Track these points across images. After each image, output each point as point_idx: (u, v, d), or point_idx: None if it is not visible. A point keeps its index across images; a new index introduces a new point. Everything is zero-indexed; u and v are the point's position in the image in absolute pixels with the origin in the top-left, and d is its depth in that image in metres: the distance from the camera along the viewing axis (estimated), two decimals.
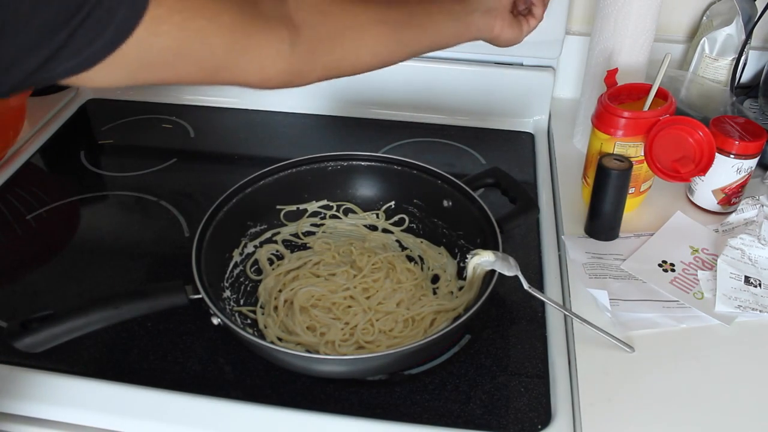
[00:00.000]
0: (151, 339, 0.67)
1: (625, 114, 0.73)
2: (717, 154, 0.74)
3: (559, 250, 0.77)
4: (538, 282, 0.74)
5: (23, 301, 0.71)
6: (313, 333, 0.66)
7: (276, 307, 0.69)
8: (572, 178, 0.87)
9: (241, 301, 0.70)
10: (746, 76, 0.99)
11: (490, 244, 0.67)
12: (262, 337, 0.66)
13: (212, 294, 0.61)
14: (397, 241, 0.78)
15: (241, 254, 0.73)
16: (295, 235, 0.78)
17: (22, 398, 0.61)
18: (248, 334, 0.58)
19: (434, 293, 0.72)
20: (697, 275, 0.71)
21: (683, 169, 0.72)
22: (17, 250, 0.79)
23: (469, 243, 0.73)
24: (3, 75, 0.37)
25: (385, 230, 0.79)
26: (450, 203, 0.75)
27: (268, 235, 0.77)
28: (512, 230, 0.70)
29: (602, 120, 0.75)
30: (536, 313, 0.69)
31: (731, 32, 0.91)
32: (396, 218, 0.80)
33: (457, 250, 0.75)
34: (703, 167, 0.71)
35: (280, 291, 0.71)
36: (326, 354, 0.64)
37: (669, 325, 0.66)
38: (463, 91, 1.01)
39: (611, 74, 0.78)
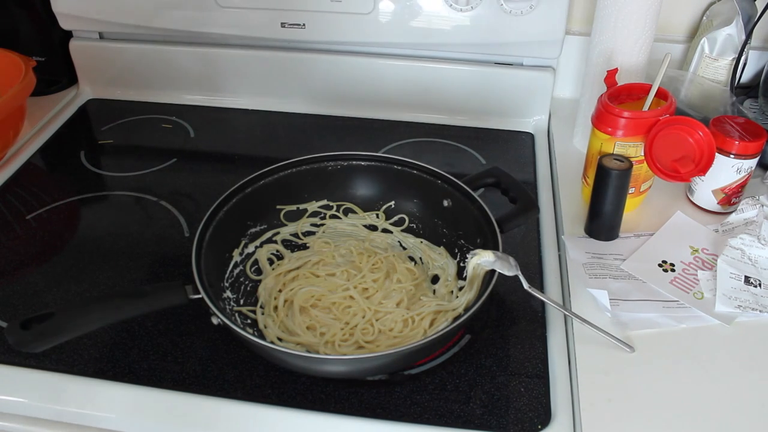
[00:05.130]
0: (151, 339, 0.67)
1: (625, 114, 0.73)
2: (717, 154, 0.74)
3: (559, 250, 0.77)
4: (538, 282, 0.74)
5: (23, 301, 0.71)
6: (313, 333, 0.66)
7: (276, 307, 0.69)
8: (572, 178, 0.87)
9: (241, 301, 0.70)
10: (746, 76, 0.99)
11: (490, 244, 0.67)
12: (262, 337, 0.66)
13: (212, 294, 0.61)
14: (398, 241, 0.78)
15: (241, 254, 0.73)
16: (295, 235, 0.78)
17: (22, 398, 0.61)
18: (248, 334, 0.58)
19: (434, 293, 0.72)
20: (697, 275, 0.71)
21: (683, 169, 0.72)
22: (17, 250, 0.79)
23: (469, 243, 0.73)
24: None
25: (385, 230, 0.79)
26: (450, 203, 0.75)
27: (268, 235, 0.77)
28: (512, 230, 0.70)
29: (602, 120, 0.75)
30: (536, 313, 0.69)
31: (731, 32, 0.91)
32: (396, 218, 0.80)
33: (457, 250, 0.75)
34: (703, 167, 0.71)
35: (280, 291, 0.71)
36: (326, 354, 0.64)
37: (669, 325, 0.66)
38: (463, 91, 1.01)
39: (611, 74, 0.78)
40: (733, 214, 0.77)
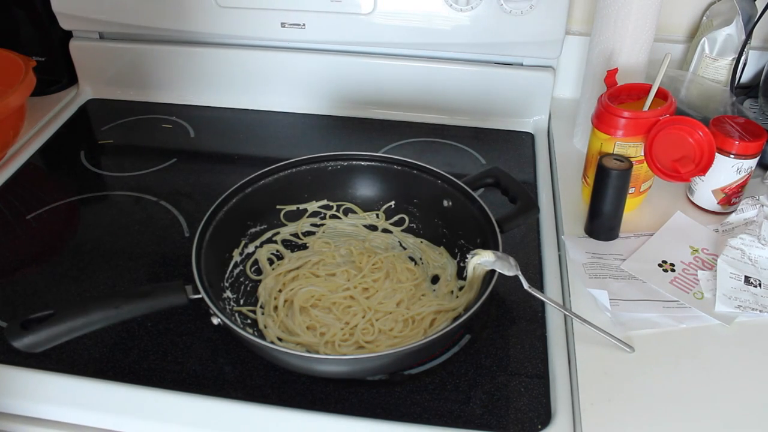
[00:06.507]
0: (151, 339, 0.67)
1: (625, 114, 0.73)
2: (717, 154, 0.74)
3: (559, 250, 0.77)
4: (538, 282, 0.74)
5: (23, 301, 0.71)
6: (313, 333, 0.66)
7: (276, 307, 0.69)
8: (572, 178, 0.87)
9: (241, 301, 0.70)
10: (746, 76, 0.99)
11: (490, 244, 0.67)
12: (262, 337, 0.66)
13: (212, 294, 0.61)
14: (398, 241, 0.78)
15: (241, 254, 0.73)
16: (295, 235, 0.78)
17: (22, 398, 0.61)
18: (248, 334, 0.58)
19: (434, 293, 0.72)
20: (697, 275, 0.71)
21: (683, 169, 0.72)
22: (17, 250, 0.79)
23: (469, 243, 0.73)
24: None
25: (385, 230, 0.79)
26: (450, 203, 0.75)
27: (268, 235, 0.77)
28: (512, 230, 0.70)
29: (602, 120, 0.75)
30: (536, 313, 0.69)
31: (731, 32, 0.91)
32: (396, 218, 0.80)
33: (457, 250, 0.75)
34: (703, 167, 0.71)
35: (280, 291, 0.71)
36: (326, 354, 0.64)
37: (669, 325, 0.66)
38: (463, 91, 1.01)
39: (611, 74, 0.78)
40: (733, 214, 0.77)
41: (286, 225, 0.78)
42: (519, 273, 0.63)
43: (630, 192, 0.76)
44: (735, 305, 0.67)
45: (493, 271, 0.63)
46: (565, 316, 0.68)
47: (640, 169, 0.76)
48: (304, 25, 0.97)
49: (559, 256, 0.76)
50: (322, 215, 0.80)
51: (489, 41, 0.96)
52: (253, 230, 0.76)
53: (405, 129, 1.01)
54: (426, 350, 0.62)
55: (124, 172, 0.92)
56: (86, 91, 1.09)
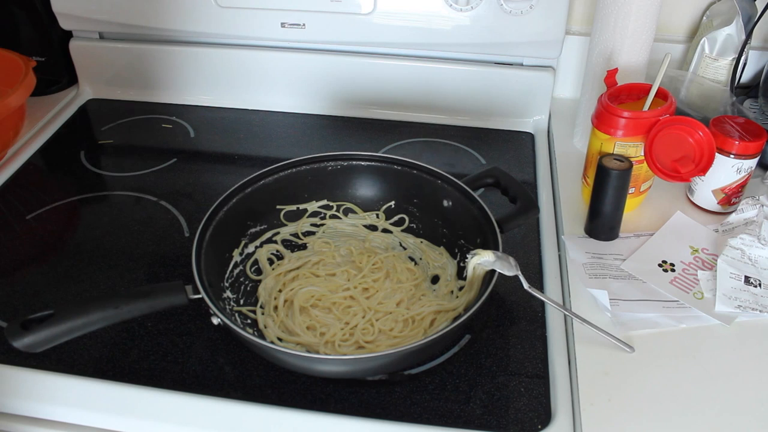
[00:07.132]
0: (151, 339, 0.67)
1: (625, 114, 0.73)
2: (717, 154, 0.74)
3: (559, 250, 0.77)
4: (538, 282, 0.74)
5: (23, 301, 0.71)
6: (313, 333, 0.66)
7: (276, 307, 0.69)
8: (572, 178, 0.87)
9: (241, 301, 0.70)
10: (746, 76, 0.99)
11: (490, 244, 0.67)
12: (262, 337, 0.66)
13: (212, 294, 0.61)
14: (398, 241, 0.78)
15: (241, 254, 0.74)
16: (295, 235, 0.78)
17: (22, 398, 0.61)
18: (248, 334, 0.58)
19: (434, 293, 0.72)
20: (697, 275, 0.71)
21: (683, 169, 0.72)
22: (17, 250, 0.79)
23: (469, 243, 0.73)
24: None
25: (385, 230, 0.79)
26: (450, 203, 0.75)
27: (268, 235, 0.77)
28: (512, 230, 0.70)
29: (602, 120, 0.75)
30: (536, 313, 0.69)
31: (731, 32, 0.91)
32: (396, 218, 0.80)
33: (457, 250, 0.75)
34: (703, 167, 0.71)
35: (280, 291, 0.71)
36: (326, 354, 0.64)
37: (669, 325, 0.66)
38: (463, 91, 1.01)
39: (611, 74, 0.78)
40: (733, 214, 0.77)
41: (286, 225, 0.78)
42: (519, 273, 0.63)
43: (630, 192, 0.76)
44: (735, 305, 0.67)
45: (493, 271, 0.63)
46: (565, 316, 0.68)
47: (640, 169, 0.76)
48: (304, 25, 0.97)
49: (559, 256, 0.76)
50: (322, 215, 0.80)
51: (489, 41, 0.96)
52: (253, 230, 0.76)
53: (405, 129, 1.01)
54: (426, 350, 0.62)
55: (124, 172, 0.92)
56: (86, 91, 1.10)
